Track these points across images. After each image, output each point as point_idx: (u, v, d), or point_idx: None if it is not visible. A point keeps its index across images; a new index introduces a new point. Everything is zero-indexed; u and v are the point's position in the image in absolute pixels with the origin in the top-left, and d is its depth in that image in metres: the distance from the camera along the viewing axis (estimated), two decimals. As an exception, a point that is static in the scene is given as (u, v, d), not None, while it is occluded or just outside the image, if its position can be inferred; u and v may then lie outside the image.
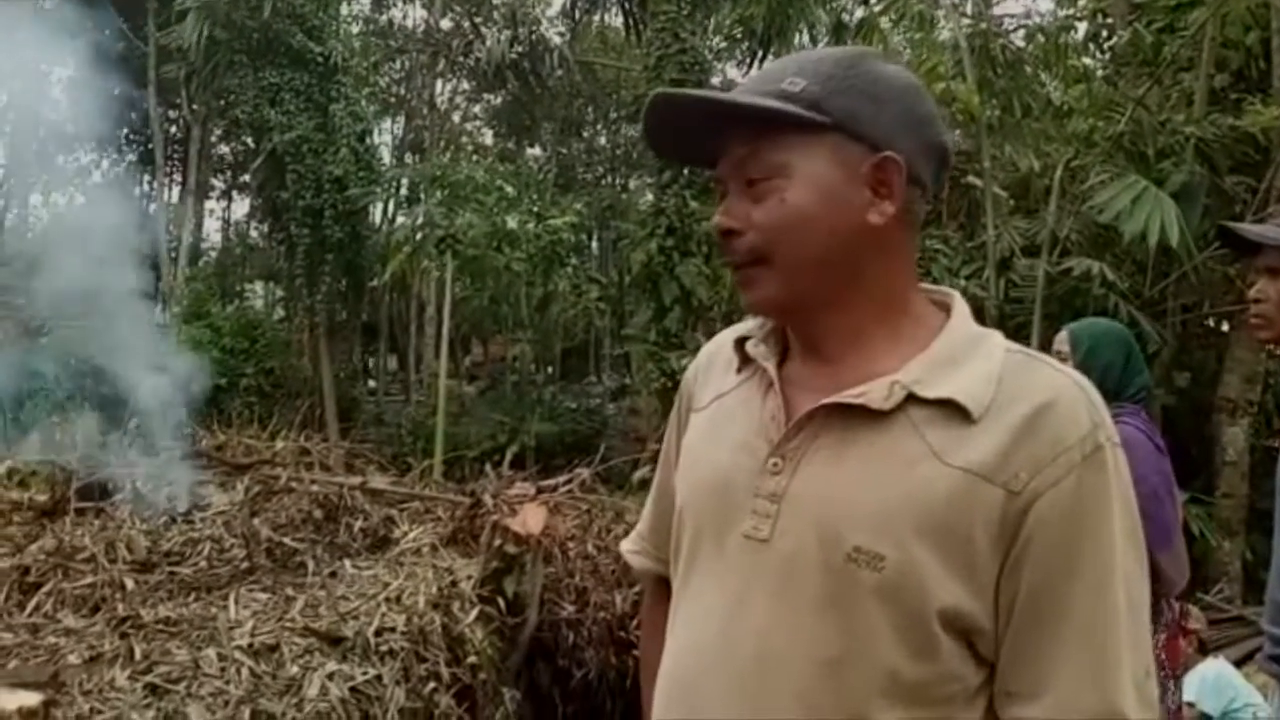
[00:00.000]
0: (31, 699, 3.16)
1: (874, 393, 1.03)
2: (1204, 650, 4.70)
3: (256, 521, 5.97)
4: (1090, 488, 0.99)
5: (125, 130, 20.92)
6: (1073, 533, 0.99)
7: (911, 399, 1.03)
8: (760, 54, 14.36)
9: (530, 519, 6.06)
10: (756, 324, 1.20)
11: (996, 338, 1.10)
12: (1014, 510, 0.98)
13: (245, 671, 3.93)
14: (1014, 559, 0.99)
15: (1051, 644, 0.99)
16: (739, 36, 14.05)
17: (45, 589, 4.54)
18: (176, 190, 20.83)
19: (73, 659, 3.72)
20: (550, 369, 20.86)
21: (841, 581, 1.00)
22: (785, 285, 1.08)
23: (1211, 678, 4.40)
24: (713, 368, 1.26)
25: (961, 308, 1.13)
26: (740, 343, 1.19)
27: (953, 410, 1.01)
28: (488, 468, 10.96)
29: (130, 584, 4.76)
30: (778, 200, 1.06)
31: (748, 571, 1.06)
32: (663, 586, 1.32)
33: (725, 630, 1.07)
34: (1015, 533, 0.98)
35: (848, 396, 1.04)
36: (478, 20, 19.23)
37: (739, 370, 1.19)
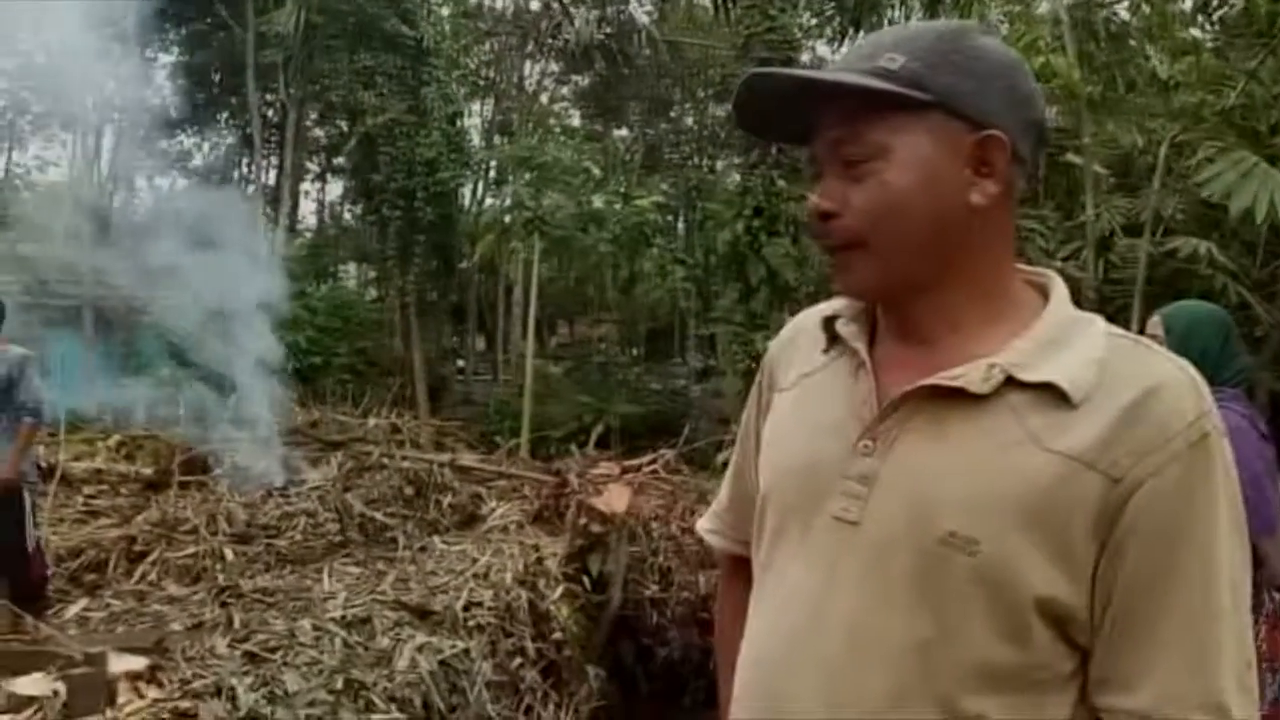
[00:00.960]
0: (138, 663, 3.30)
1: (972, 375, 1.01)
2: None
3: (349, 497, 6.15)
4: (1195, 476, 0.97)
5: (225, 114, 21.57)
6: (1176, 522, 0.96)
7: (1010, 382, 1.00)
8: (852, 31, 14.08)
9: (615, 498, 6.12)
10: (845, 302, 1.18)
11: (1098, 322, 1.07)
12: (1115, 498, 0.96)
13: (339, 642, 4.05)
14: (1114, 547, 0.97)
15: (1152, 634, 0.97)
16: (830, 13, 13.78)
17: (151, 558, 4.76)
18: (274, 173, 21.39)
19: (176, 626, 3.89)
20: (635, 350, 20.92)
21: (934, 565, 0.99)
22: (883, 270, 1.06)
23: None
24: (797, 346, 1.24)
25: (1061, 290, 1.10)
26: (828, 321, 1.17)
27: (1053, 395, 0.99)
28: (573, 447, 11.08)
29: (230, 555, 4.96)
30: (877, 183, 1.03)
31: (836, 554, 1.05)
32: (740, 566, 1.32)
33: (813, 613, 1.05)
34: (1115, 521, 0.96)
35: (944, 378, 1.02)
36: (566, 1, 19.27)
37: (826, 350, 1.17)
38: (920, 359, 1.06)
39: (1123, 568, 0.97)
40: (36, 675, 3.06)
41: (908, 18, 12.79)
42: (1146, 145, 6.96)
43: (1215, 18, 8.54)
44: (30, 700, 2.94)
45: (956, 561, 0.97)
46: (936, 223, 1.04)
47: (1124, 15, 7.35)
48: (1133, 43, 7.14)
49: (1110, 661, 0.99)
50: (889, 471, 1.03)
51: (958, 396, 1.01)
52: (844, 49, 15.46)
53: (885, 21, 13.47)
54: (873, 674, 1.01)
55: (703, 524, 1.43)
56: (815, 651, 1.04)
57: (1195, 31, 8.63)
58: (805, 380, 1.18)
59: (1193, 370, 1.02)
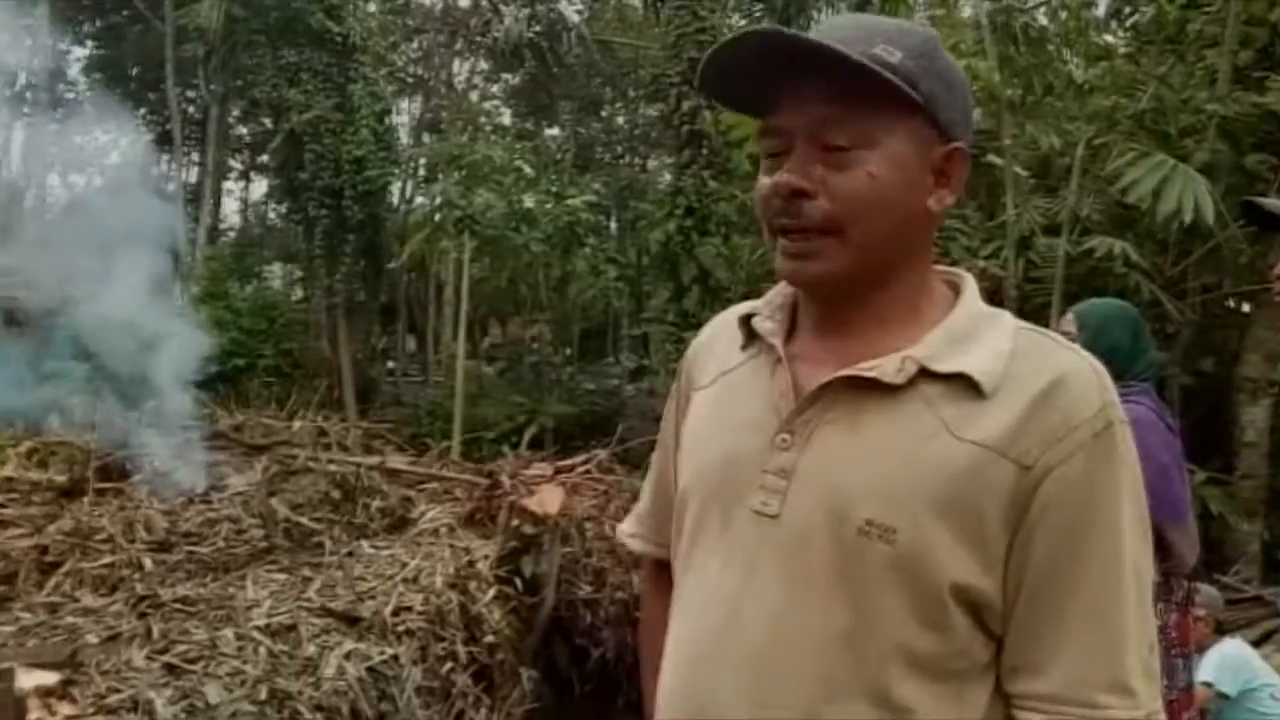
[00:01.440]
0: (50, 678, 3.20)
1: (886, 366, 1.03)
2: (1221, 630, 4.69)
3: (274, 502, 6.01)
4: (1100, 465, 1.00)
5: (143, 110, 21.02)
6: (1082, 509, 0.99)
7: (923, 374, 1.03)
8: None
9: (548, 499, 6.09)
10: (763, 301, 1.19)
11: (1007, 316, 1.10)
12: (1025, 486, 0.98)
13: (263, 651, 3.96)
14: (1024, 534, 0.99)
15: (1061, 619, 1.00)
16: (759, 14, 13.91)
17: (64, 569, 4.60)
18: (195, 170, 20.91)
19: (91, 639, 3.76)
20: (568, 350, 20.88)
21: (853, 555, 1.00)
22: (852, 261, 1.05)
23: (1229, 657, 4.39)
24: (715, 346, 1.24)
25: (972, 287, 1.13)
26: (746, 319, 1.17)
27: (965, 385, 1.02)
28: (506, 448, 11.02)
29: (148, 564, 4.81)
30: (864, 173, 1.03)
31: (756, 548, 1.06)
32: (662, 569, 1.32)
33: (735, 609, 1.06)
34: (1026, 508, 0.99)
35: (859, 370, 1.04)
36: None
37: (744, 348, 1.18)
38: (838, 353, 1.08)
39: (1032, 555, 0.99)
40: (-61, 694, 2.95)
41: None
42: (1064, 147, 7.15)
43: (1128, 24, 8.82)
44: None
45: (875, 550, 0.99)
46: (904, 223, 1.06)
47: (1043, 21, 7.54)
48: (1051, 48, 7.34)
49: (1021, 647, 1.02)
50: (806, 464, 1.04)
51: (873, 388, 1.03)
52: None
53: (812, 23, 13.64)
54: (798, 667, 1.02)
55: (624, 528, 1.43)
56: (739, 648, 1.05)
57: (1109, 37, 8.91)
58: (724, 378, 1.19)
59: (1096, 362, 1.06)
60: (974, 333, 1.06)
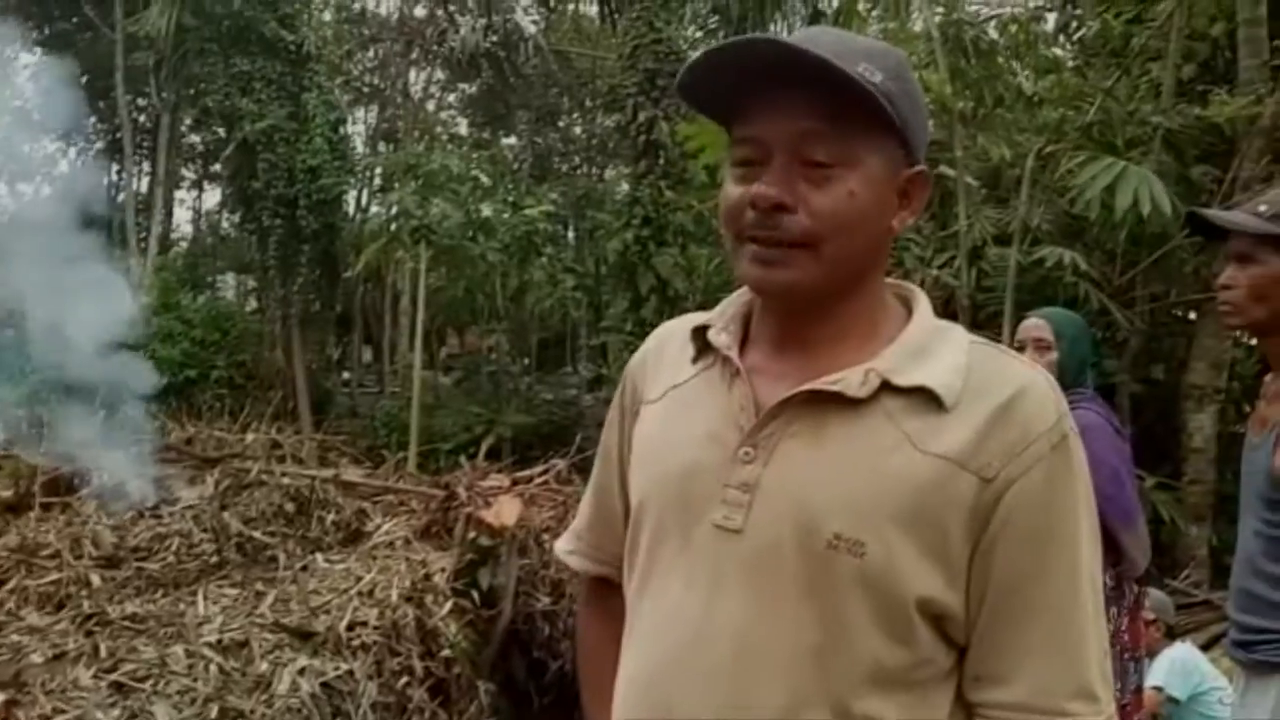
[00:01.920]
0: (-9, 699, 3.12)
1: (849, 380, 1.03)
2: (1171, 635, 4.75)
3: (226, 515, 5.93)
4: (1058, 476, 1.02)
5: (93, 118, 20.68)
6: (1043, 520, 1.01)
7: (886, 387, 1.03)
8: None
9: (505, 511, 6.05)
10: (715, 313, 1.18)
11: (959, 329, 1.11)
12: (986, 498, 0.99)
13: (213, 668, 3.90)
14: (985, 546, 1.00)
15: (1024, 629, 1.01)
16: (714, 26, 14.02)
17: (8, 586, 4.50)
18: (146, 180, 20.60)
19: (36, 658, 3.68)
20: (526, 360, 20.82)
21: (821, 569, 1.00)
22: (823, 276, 1.05)
23: (1179, 662, 4.45)
24: (662, 358, 1.23)
25: (924, 301, 1.14)
26: (698, 331, 1.17)
27: (926, 399, 1.02)
28: (462, 459, 10.94)
29: (96, 580, 4.72)
30: (845, 192, 1.03)
31: (719, 563, 1.05)
32: (603, 587, 1.30)
33: (699, 624, 1.05)
34: (987, 520, 1.00)
35: (824, 384, 1.04)
36: (451, 8, 19.10)
37: (695, 360, 1.17)
38: (796, 367, 1.08)
39: (994, 566, 1.01)
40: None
41: (789, 32, 13.10)
42: (1014, 158, 7.28)
43: (1074, 38, 9.00)
44: None
45: (843, 564, 0.99)
46: (871, 241, 1.08)
47: (992, 34, 7.67)
48: (1000, 60, 7.47)
49: (985, 657, 1.03)
50: (771, 478, 1.04)
51: (836, 402, 1.03)
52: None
53: (773, 33, 13.75)
54: (765, 683, 1.01)
55: (562, 545, 1.39)
56: (704, 664, 1.04)
57: (1057, 50, 9.08)
58: (675, 391, 1.17)
59: (1048, 375, 1.08)
60: (930, 346, 1.07)
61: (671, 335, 1.24)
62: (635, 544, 1.16)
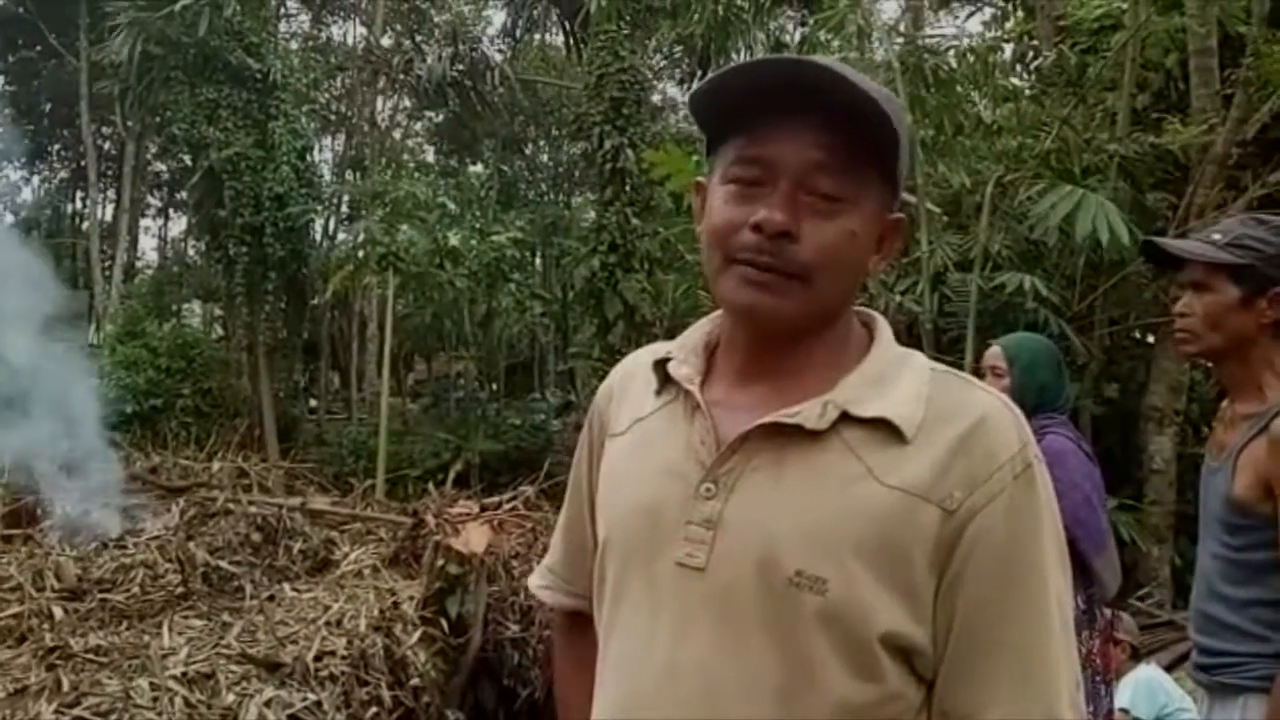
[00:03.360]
0: (-47, 735, 3.07)
1: (808, 412, 1.02)
2: (1136, 656, 4.79)
3: (192, 545, 5.88)
4: (1023, 505, 1.01)
5: (57, 146, 20.48)
6: (1009, 550, 1.00)
7: (845, 418, 1.02)
8: (700, 73, 14.50)
9: (473, 538, 6.02)
10: (675, 344, 1.18)
11: (919, 357, 1.11)
12: (950, 529, 0.98)
13: (179, 701, 3.87)
14: (951, 578, 0.99)
15: (993, 662, 0.99)
16: (678, 55, 14.16)
17: (-31, 620, 4.43)
18: (110, 208, 20.40)
19: (2, 691, 3.62)
20: (494, 386, 20.73)
21: (784, 606, 0.98)
22: (811, 308, 1.05)
23: (1144, 683, 4.47)
24: (627, 391, 1.22)
25: (886, 329, 1.13)
26: (660, 364, 1.15)
27: (886, 430, 1.01)
28: (431, 487, 10.89)
29: (59, 613, 4.66)
30: (847, 231, 1.03)
31: (684, 601, 1.03)
32: (576, 620, 1.30)
33: (665, 665, 1.03)
34: (952, 552, 0.99)
35: (782, 416, 1.03)
36: (418, 38, 19.15)
37: (658, 392, 1.15)
38: (757, 399, 1.07)
39: (960, 598, 0.99)
40: None
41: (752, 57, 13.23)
42: (974, 185, 7.39)
43: (1032, 68, 9.18)
44: None
45: (805, 601, 0.98)
46: (856, 280, 1.08)
47: (952, 63, 7.81)
48: (960, 89, 7.60)
49: (954, 691, 1.01)
50: (733, 514, 1.02)
51: (795, 434, 1.02)
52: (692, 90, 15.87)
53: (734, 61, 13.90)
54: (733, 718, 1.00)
55: (535, 580, 1.39)
56: (672, 702, 1.03)
57: (1015, 80, 9.26)
58: (639, 424, 1.16)
59: (1010, 402, 1.08)
60: (890, 375, 1.06)
61: (636, 367, 1.22)
62: (602, 579, 1.15)
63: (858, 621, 0.97)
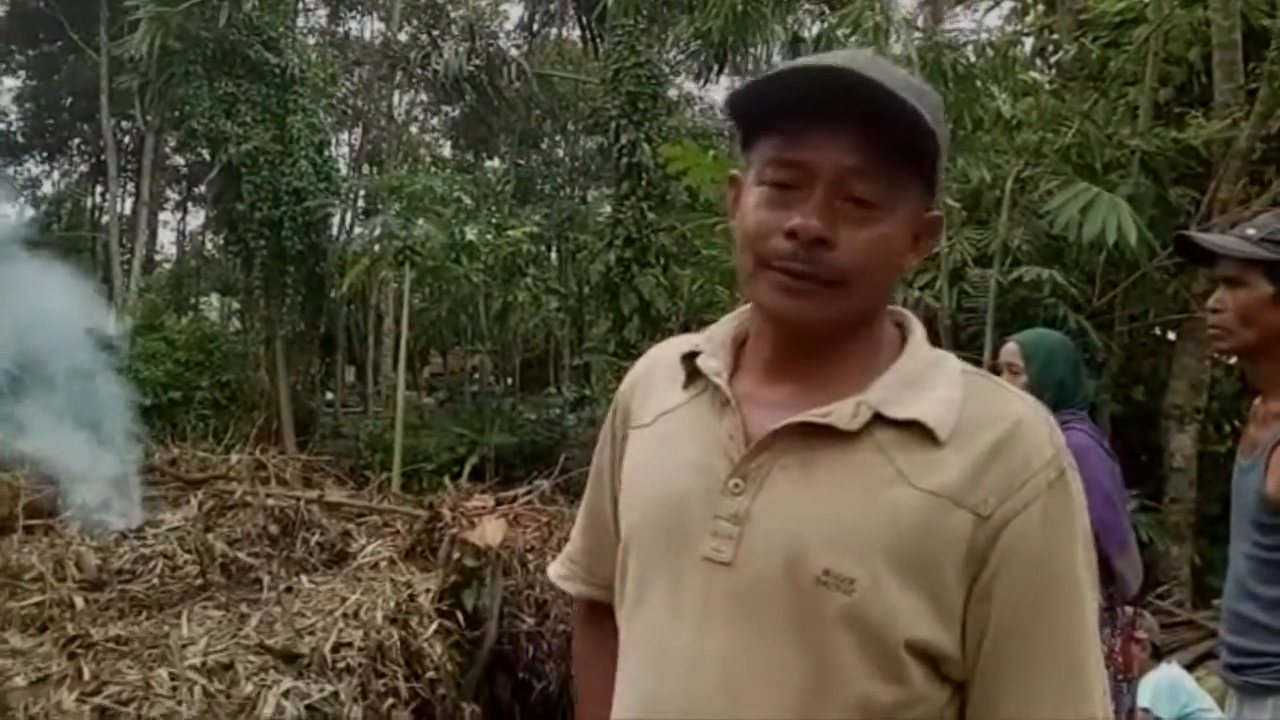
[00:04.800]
0: (-24, 722, 3.10)
1: (840, 412, 1.02)
2: (1157, 655, 4.77)
3: (210, 537, 5.90)
4: (1056, 512, 1.00)
5: (77, 140, 20.63)
6: (1043, 558, 0.99)
7: (877, 420, 1.01)
8: (717, 68, 14.47)
9: (489, 531, 6.03)
10: (703, 337, 1.17)
11: (953, 360, 1.10)
12: (983, 536, 0.98)
13: (198, 691, 3.88)
14: (983, 585, 0.99)
15: (1027, 670, 0.99)
16: (696, 50, 14.12)
17: (-6, 609, 4.47)
18: (130, 202, 20.53)
19: (19, 681, 3.65)
20: (509, 380, 20.79)
21: (810, 604, 0.98)
22: (847, 311, 1.04)
23: (1165, 683, 4.45)
24: (652, 383, 1.21)
25: (919, 330, 1.12)
26: (688, 357, 1.14)
27: (919, 432, 1.00)
28: (446, 480, 10.91)
29: (80, 603, 4.69)
30: (882, 235, 1.02)
31: (708, 596, 1.03)
32: (597, 610, 1.29)
33: (688, 659, 1.03)
34: (984, 559, 0.98)
35: (814, 415, 1.02)
36: (435, 33, 19.18)
37: (685, 386, 1.15)
38: (789, 396, 1.06)
39: (994, 606, 0.98)
40: None
41: (769, 58, 13.20)
42: (994, 180, 7.34)
43: (1052, 62, 9.12)
44: None
45: (832, 600, 0.97)
46: (891, 282, 1.08)
47: (971, 57, 7.75)
48: (979, 84, 7.54)
49: (988, 699, 1.00)
50: (761, 510, 1.02)
51: (826, 434, 1.01)
52: (709, 86, 15.83)
53: (750, 59, 13.88)
54: (754, 717, 0.99)
55: (555, 569, 1.38)
56: (693, 699, 1.02)
57: (1035, 74, 9.19)
58: (665, 417, 1.16)
59: (1043, 408, 1.07)
60: (924, 378, 1.05)
61: (661, 359, 1.22)
62: (625, 571, 1.15)
63: (883, 623, 0.97)
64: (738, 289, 7.54)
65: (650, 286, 11.74)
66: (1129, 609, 3.09)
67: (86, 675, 3.78)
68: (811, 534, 0.99)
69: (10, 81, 19.88)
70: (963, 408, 1.02)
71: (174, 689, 3.82)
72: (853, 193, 1.01)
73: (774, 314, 1.06)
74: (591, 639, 1.32)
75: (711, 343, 1.15)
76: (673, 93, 14.28)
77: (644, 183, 12.12)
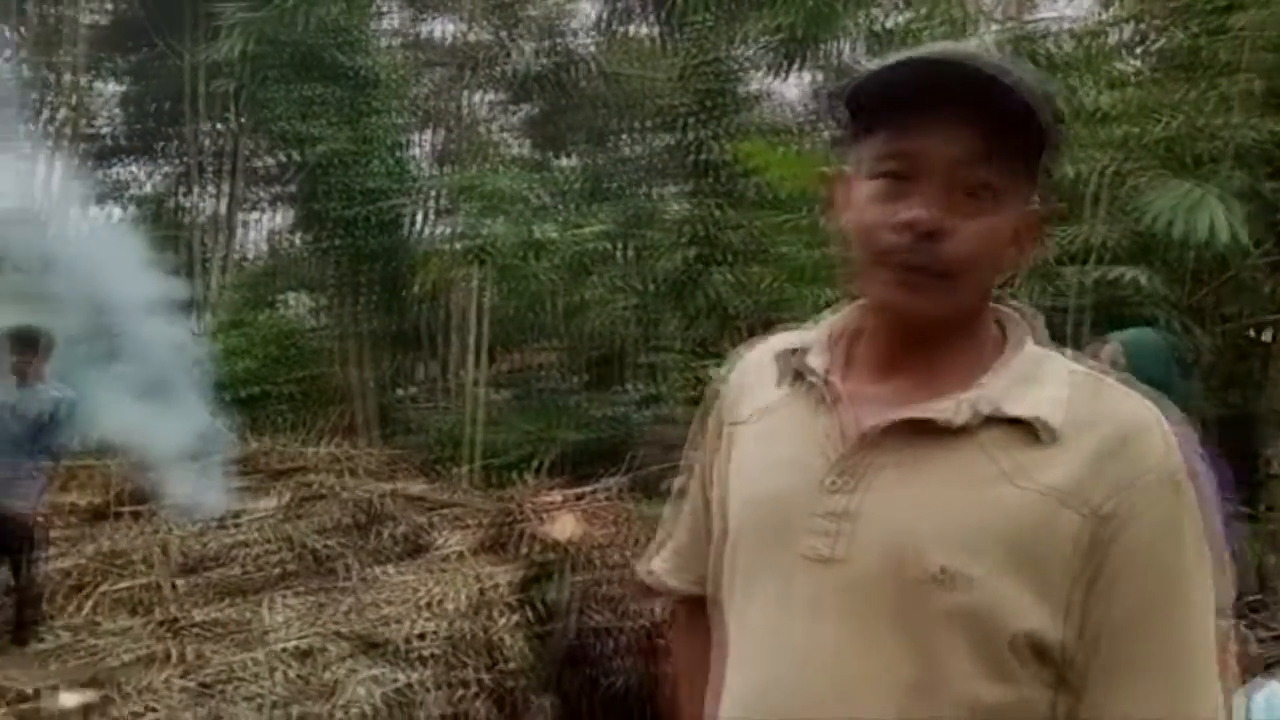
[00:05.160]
0: (88, 697, 3.22)
1: (945, 409, 1.01)
2: (1256, 668, 4.61)
3: (294, 527, 6.05)
4: (1170, 513, 0.99)
5: (166, 144, 21.25)
6: (1155, 560, 0.98)
7: (984, 418, 1.01)
8: (792, 64, 14.35)
9: (563, 526, 6.09)
10: (800, 334, 1.17)
11: (1060, 358, 1.09)
12: (1095, 538, 0.97)
13: (286, 674, 3.97)
14: (1092, 586, 0.98)
15: (1137, 672, 0.98)
16: (770, 45, 14.01)
17: (94, 591, 4.63)
18: (215, 203, 21.08)
19: (123, 659, 3.78)
20: (579, 377, 20.88)
21: (919, 603, 0.98)
22: (957, 306, 1.04)
23: (1266, 696, 4.31)
24: (750, 379, 1.21)
25: (1023, 325, 1.11)
26: (786, 355, 1.15)
27: (1026, 431, 1.00)
28: (519, 475, 11.00)
29: (174, 587, 4.84)
30: (989, 226, 1.02)
31: (813, 592, 1.03)
32: (692, 606, 1.29)
33: (795, 657, 1.03)
34: (1093, 560, 0.97)
35: (918, 412, 1.02)
36: (508, 33, 19.34)
37: (783, 383, 1.15)
38: (889, 393, 1.06)
39: (1105, 607, 0.98)
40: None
41: (850, 51, 13.06)
42: (1083, 175, 7.16)
43: (1145, 51, 8.86)
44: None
45: (943, 598, 0.97)
46: (996, 276, 1.07)
47: (1058, 48, 7.57)
48: (1066, 76, 7.37)
49: (1097, 701, 1.00)
50: (863, 508, 1.02)
51: (930, 431, 1.01)
52: (786, 80, 15.71)
53: (825, 54, 13.75)
54: (864, 716, 0.99)
55: (649, 565, 1.38)
56: (805, 689, 1.02)
57: (1126, 65, 8.94)
58: (763, 414, 1.16)
59: (1154, 407, 1.05)
60: (1033, 375, 1.04)
61: (758, 355, 1.22)
62: (722, 569, 1.15)
63: (994, 621, 0.97)
64: (809, 286, 7.48)
65: (721, 284, 11.67)
66: (1225, 621, 2.99)
67: (182, 656, 3.89)
68: (919, 531, 0.99)
69: (108, 87, 20.57)
70: (1070, 406, 1.01)
71: (264, 672, 3.91)
72: (965, 184, 1.00)
73: (886, 308, 1.07)
74: (687, 636, 1.32)
75: (811, 340, 1.15)
76: (745, 89, 14.17)
77: (715, 180, 12.06)
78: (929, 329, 1.06)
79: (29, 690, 3.02)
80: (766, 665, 1.07)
